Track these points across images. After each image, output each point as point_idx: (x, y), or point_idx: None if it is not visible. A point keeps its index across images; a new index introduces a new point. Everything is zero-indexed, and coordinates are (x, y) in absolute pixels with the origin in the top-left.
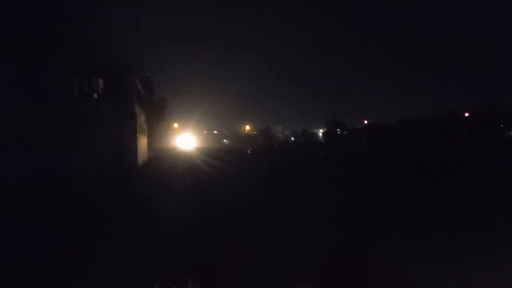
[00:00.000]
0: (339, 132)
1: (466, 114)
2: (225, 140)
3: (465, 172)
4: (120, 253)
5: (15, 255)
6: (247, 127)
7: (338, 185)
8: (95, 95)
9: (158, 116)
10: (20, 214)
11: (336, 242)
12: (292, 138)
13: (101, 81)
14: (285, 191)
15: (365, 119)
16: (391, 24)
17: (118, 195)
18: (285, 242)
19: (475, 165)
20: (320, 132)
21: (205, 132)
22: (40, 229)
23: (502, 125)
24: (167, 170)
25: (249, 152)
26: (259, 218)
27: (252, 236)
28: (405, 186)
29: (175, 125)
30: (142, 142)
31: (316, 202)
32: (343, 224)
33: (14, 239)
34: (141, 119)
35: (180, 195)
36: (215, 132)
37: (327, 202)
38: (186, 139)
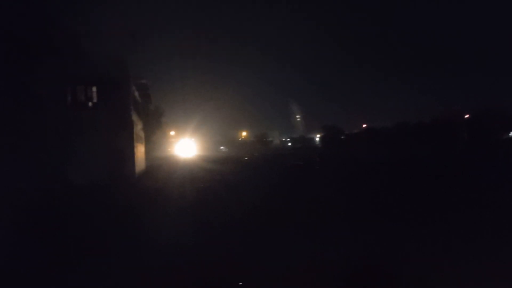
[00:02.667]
0: (335, 137)
1: (466, 116)
2: (222, 147)
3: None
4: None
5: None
6: (244, 133)
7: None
8: (90, 104)
9: (155, 123)
10: (7, 227)
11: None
12: (289, 144)
13: (96, 89)
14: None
15: (363, 124)
16: (388, 27)
17: (114, 211)
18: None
19: (477, 168)
20: (317, 137)
21: (202, 139)
22: (27, 246)
23: (500, 126)
24: (165, 179)
25: (246, 159)
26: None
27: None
28: (413, 193)
29: (172, 132)
30: (140, 151)
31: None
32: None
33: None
34: (138, 127)
35: (178, 209)
36: (212, 139)
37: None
38: (183, 147)
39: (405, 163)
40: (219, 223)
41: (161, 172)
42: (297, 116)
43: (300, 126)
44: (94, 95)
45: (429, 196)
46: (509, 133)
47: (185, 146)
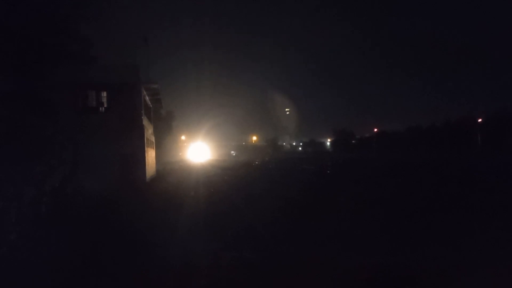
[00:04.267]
0: (347, 141)
1: (479, 120)
2: (232, 152)
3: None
4: None
5: None
6: (254, 138)
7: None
8: (102, 108)
9: (166, 128)
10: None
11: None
12: (300, 148)
13: (107, 93)
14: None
15: (374, 128)
16: (400, 30)
17: (125, 218)
18: None
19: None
20: (328, 142)
21: (212, 143)
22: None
23: None
24: (176, 184)
25: (257, 163)
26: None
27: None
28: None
29: (183, 137)
30: (150, 155)
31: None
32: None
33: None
34: (149, 131)
35: (190, 216)
36: (222, 143)
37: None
38: (193, 151)
39: (420, 167)
40: (236, 234)
41: (172, 177)
42: (286, 109)
43: (289, 120)
44: (105, 100)
45: (447, 201)
46: None
47: (196, 151)
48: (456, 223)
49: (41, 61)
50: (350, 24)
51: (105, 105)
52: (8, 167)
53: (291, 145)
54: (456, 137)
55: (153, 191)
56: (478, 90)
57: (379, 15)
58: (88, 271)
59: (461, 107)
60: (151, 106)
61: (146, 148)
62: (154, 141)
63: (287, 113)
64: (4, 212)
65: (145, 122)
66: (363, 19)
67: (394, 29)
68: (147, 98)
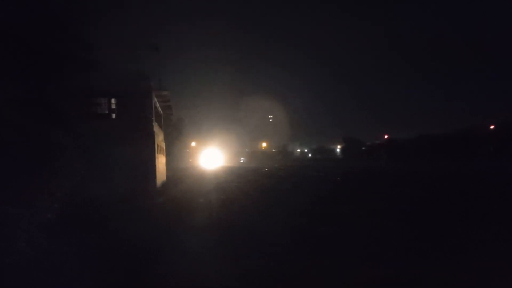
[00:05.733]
0: (357, 148)
1: (492, 127)
2: (242, 159)
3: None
4: None
5: None
6: (264, 145)
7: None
8: (112, 115)
9: (177, 134)
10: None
11: None
12: (310, 155)
13: (118, 100)
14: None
15: (384, 135)
16: (409, 36)
17: (135, 228)
18: None
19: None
20: (338, 148)
21: (222, 150)
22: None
23: None
24: (186, 191)
25: (266, 169)
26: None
27: None
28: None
29: (193, 143)
30: (161, 162)
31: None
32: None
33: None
34: (160, 138)
35: (202, 226)
36: (232, 150)
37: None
38: (204, 158)
39: (433, 176)
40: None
41: (183, 183)
42: (269, 117)
43: (272, 128)
44: (116, 107)
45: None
46: None
47: (206, 157)
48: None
49: (51, 68)
50: (361, 27)
51: (116, 112)
52: (19, 174)
53: (301, 151)
54: (468, 145)
55: (164, 198)
56: (490, 98)
57: (390, 21)
58: (94, 280)
59: (473, 114)
60: (161, 112)
61: (156, 155)
62: (164, 147)
63: (270, 120)
64: (14, 218)
65: (156, 129)
66: (375, 23)
67: (406, 34)
68: (157, 105)
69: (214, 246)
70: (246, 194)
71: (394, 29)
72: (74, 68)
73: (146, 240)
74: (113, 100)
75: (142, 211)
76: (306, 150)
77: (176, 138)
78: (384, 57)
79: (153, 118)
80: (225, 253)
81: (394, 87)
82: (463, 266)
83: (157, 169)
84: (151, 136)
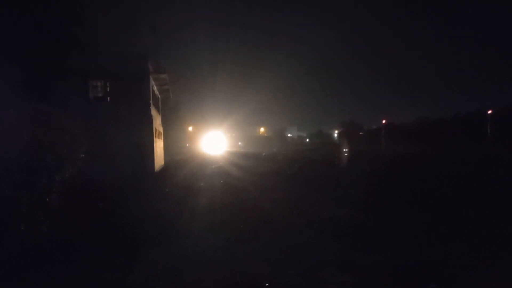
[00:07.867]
0: (354, 133)
1: (489, 112)
2: (239, 143)
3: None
4: None
5: None
6: (262, 129)
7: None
8: (109, 98)
9: (174, 118)
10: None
11: None
12: (308, 140)
13: (115, 83)
14: None
15: (382, 119)
16: (408, 23)
17: (137, 209)
18: None
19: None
20: (336, 133)
21: (220, 134)
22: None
23: None
24: (185, 175)
25: (264, 154)
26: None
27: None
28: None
29: (191, 128)
30: (159, 146)
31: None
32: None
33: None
34: (157, 122)
35: (199, 210)
36: (230, 134)
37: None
38: (201, 142)
39: (429, 159)
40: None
41: (181, 167)
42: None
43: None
44: (113, 89)
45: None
46: None
47: (204, 142)
48: None
49: (46, 49)
50: (360, 14)
51: (113, 95)
52: (19, 156)
53: (299, 136)
54: (465, 129)
55: (162, 182)
56: (489, 84)
57: (390, 6)
58: (96, 263)
59: (472, 101)
60: (159, 96)
61: (154, 139)
62: (162, 131)
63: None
64: (14, 202)
65: (154, 112)
66: (370, 10)
67: (403, 22)
68: (155, 88)
69: (216, 227)
70: (243, 178)
71: (394, 16)
72: (72, 50)
73: (146, 225)
74: (110, 83)
75: (141, 194)
76: (302, 135)
77: (174, 122)
78: (383, 44)
79: (151, 101)
80: (226, 235)
81: (395, 74)
82: None
83: (155, 153)
84: (149, 120)
